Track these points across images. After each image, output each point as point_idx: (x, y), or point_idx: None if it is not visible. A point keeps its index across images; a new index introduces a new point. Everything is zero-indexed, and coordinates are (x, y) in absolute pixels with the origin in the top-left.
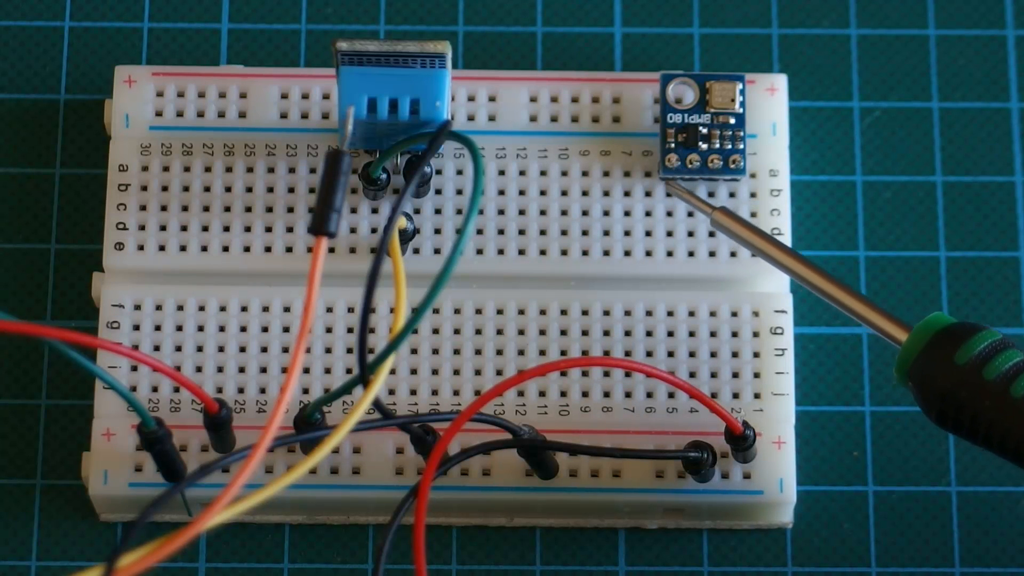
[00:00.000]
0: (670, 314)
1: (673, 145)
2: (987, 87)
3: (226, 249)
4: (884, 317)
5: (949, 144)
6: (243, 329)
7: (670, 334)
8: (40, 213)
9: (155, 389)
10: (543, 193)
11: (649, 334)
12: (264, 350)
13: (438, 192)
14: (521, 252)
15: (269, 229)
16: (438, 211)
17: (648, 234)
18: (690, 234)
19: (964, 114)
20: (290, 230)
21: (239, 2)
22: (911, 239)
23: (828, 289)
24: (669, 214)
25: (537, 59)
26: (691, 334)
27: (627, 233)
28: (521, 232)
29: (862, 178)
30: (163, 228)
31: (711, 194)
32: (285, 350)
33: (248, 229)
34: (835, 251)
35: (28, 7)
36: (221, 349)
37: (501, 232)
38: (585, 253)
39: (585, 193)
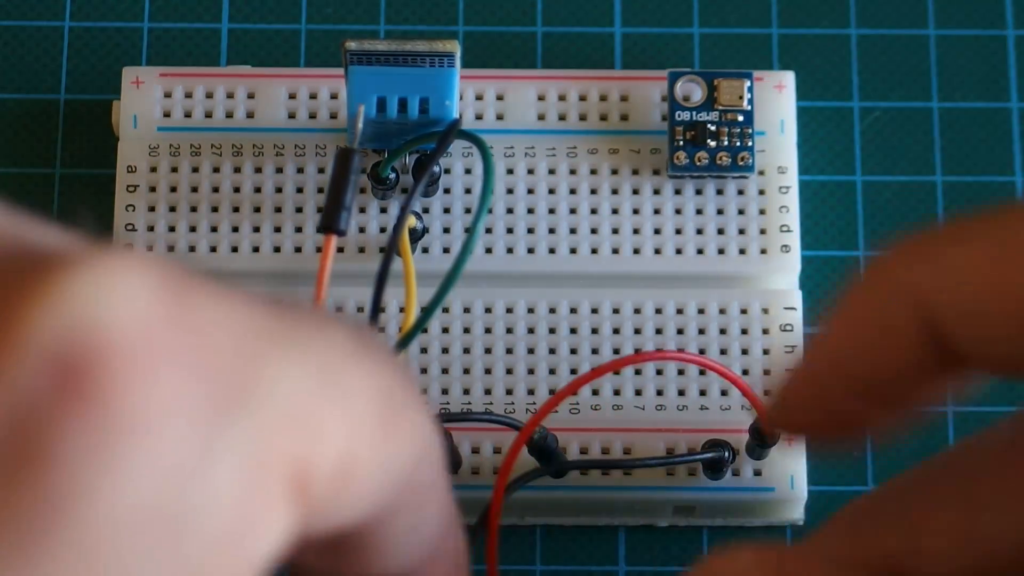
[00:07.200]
0: (680, 312)
1: (681, 143)
2: (987, 87)
3: (235, 250)
4: None
5: (949, 144)
6: None
7: (680, 331)
8: (40, 213)
9: None
10: (552, 191)
11: (659, 331)
12: None
13: (447, 191)
14: (530, 251)
15: (278, 229)
16: (447, 210)
17: (657, 232)
18: (699, 232)
19: (964, 114)
20: (299, 230)
21: (239, 2)
22: None
23: None
24: (678, 212)
25: (537, 59)
26: (701, 331)
27: (636, 231)
28: (530, 231)
29: (862, 178)
30: (172, 229)
31: (720, 192)
32: None
33: (257, 229)
34: (835, 251)
35: (28, 7)
36: None
37: (510, 231)
38: (594, 251)
39: (594, 191)
